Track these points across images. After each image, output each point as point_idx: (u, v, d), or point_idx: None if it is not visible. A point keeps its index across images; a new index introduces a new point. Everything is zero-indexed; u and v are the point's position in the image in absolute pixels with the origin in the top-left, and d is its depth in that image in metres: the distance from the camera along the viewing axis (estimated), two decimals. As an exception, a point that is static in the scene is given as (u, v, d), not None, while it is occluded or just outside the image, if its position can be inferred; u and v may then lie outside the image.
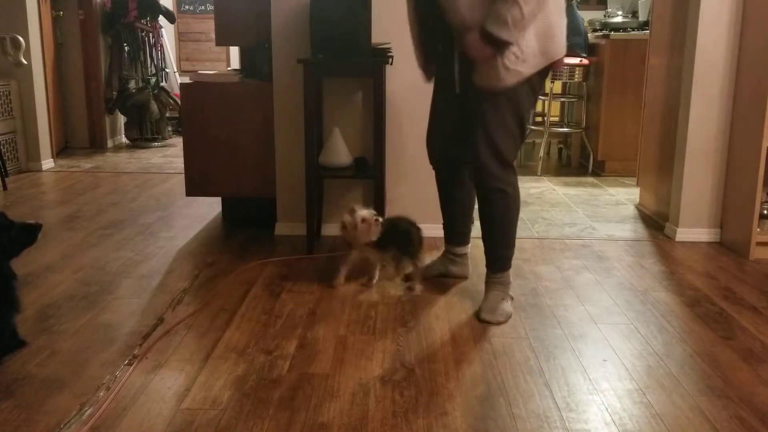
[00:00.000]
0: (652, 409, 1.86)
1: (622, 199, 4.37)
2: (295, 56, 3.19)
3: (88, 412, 1.81)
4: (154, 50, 6.53)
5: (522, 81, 2.27)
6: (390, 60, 3.06)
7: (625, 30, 5.06)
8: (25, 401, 1.86)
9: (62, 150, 5.96)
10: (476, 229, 2.66)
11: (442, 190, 2.75)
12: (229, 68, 5.89)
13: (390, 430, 1.74)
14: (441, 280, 2.82)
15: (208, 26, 7.37)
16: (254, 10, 3.47)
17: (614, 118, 4.97)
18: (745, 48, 3.22)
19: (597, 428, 1.77)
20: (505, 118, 2.33)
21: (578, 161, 5.49)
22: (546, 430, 1.75)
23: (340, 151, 3.16)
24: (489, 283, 2.52)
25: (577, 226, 3.71)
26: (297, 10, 3.23)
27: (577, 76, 5.18)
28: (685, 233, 3.44)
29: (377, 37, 3.09)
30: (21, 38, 4.90)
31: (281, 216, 3.48)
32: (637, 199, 4.23)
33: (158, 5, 6.45)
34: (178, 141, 6.30)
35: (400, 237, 2.70)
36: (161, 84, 6.62)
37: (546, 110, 5.39)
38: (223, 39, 3.71)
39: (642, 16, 5.13)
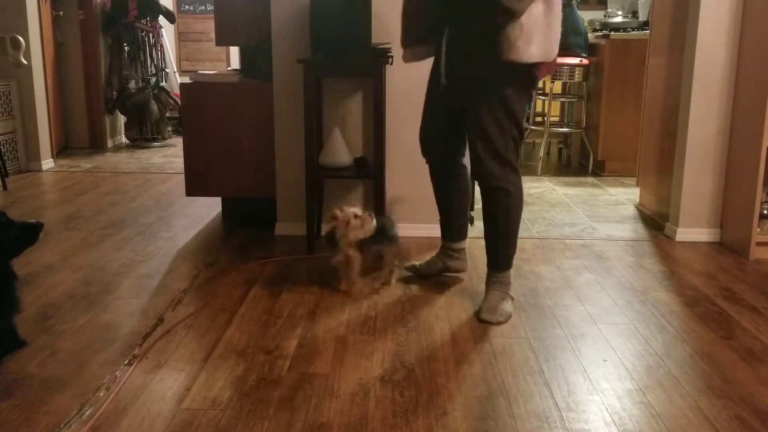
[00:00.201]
0: (652, 409, 1.86)
1: (622, 199, 4.37)
2: (295, 56, 3.19)
3: (88, 412, 1.81)
4: (154, 50, 6.53)
5: (516, 72, 2.28)
6: (390, 60, 3.06)
7: (625, 30, 5.06)
8: (25, 401, 1.86)
9: (62, 150, 5.96)
10: (478, 229, 2.67)
11: (437, 185, 2.75)
12: (229, 68, 5.89)
13: (390, 430, 1.74)
14: (441, 278, 2.82)
15: (208, 26, 7.37)
16: (254, 10, 3.47)
17: (614, 118, 4.97)
18: (745, 48, 3.22)
19: (597, 428, 1.77)
20: (498, 117, 2.33)
21: (578, 161, 5.49)
22: (546, 430, 1.75)
23: (340, 151, 3.16)
24: (489, 282, 2.52)
25: (577, 226, 3.71)
26: (297, 10, 3.23)
27: (577, 76, 5.18)
28: (685, 233, 3.44)
29: (377, 37, 3.09)
30: (21, 38, 4.90)
31: (281, 216, 3.48)
32: (637, 199, 4.23)
33: (158, 5, 6.45)
34: (178, 141, 6.30)
35: (379, 233, 2.65)
36: (161, 84, 6.62)
37: (546, 110, 5.39)
38: (223, 39, 3.71)
39: (642, 16, 5.13)
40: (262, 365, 2.08)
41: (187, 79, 3.71)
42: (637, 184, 4.25)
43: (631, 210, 4.09)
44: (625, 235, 3.54)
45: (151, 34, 6.50)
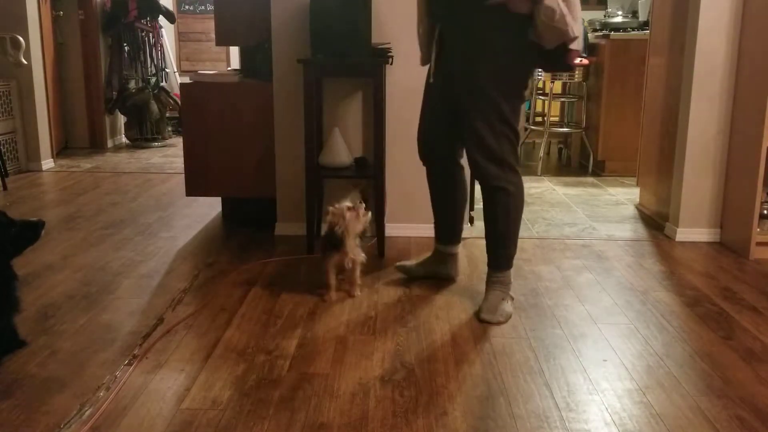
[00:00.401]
0: (652, 409, 1.86)
1: (622, 199, 4.37)
2: (295, 56, 3.19)
3: (88, 412, 1.81)
4: (154, 50, 6.53)
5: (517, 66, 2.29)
6: (390, 60, 3.06)
7: (625, 30, 5.06)
8: (25, 401, 1.86)
9: (62, 150, 5.96)
10: (478, 229, 2.67)
11: (433, 188, 2.74)
12: (229, 68, 5.89)
13: (390, 430, 1.74)
14: (441, 279, 2.81)
15: (208, 26, 7.37)
16: (254, 10, 3.47)
17: (614, 118, 4.97)
18: (745, 48, 3.22)
19: (597, 428, 1.77)
20: (489, 118, 2.33)
21: (578, 161, 5.49)
22: (546, 430, 1.75)
23: (340, 151, 3.16)
24: (490, 282, 2.52)
25: (577, 226, 3.71)
26: (297, 10, 3.23)
27: (577, 76, 5.18)
28: (685, 233, 3.44)
29: (377, 37, 3.09)
30: (21, 38, 4.90)
31: (281, 216, 3.48)
32: (637, 199, 4.22)
33: (158, 5, 6.45)
34: (178, 141, 6.30)
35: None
36: (161, 84, 6.62)
37: (546, 110, 5.39)
38: (223, 39, 3.71)
39: (642, 16, 5.13)
40: (262, 365, 2.08)
41: (187, 79, 3.71)
42: (637, 184, 4.25)
43: (631, 210, 4.09)
44: (625, 235, 3.54)
45: (151, 34, 6.49)
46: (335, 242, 2.55)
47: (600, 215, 3.95)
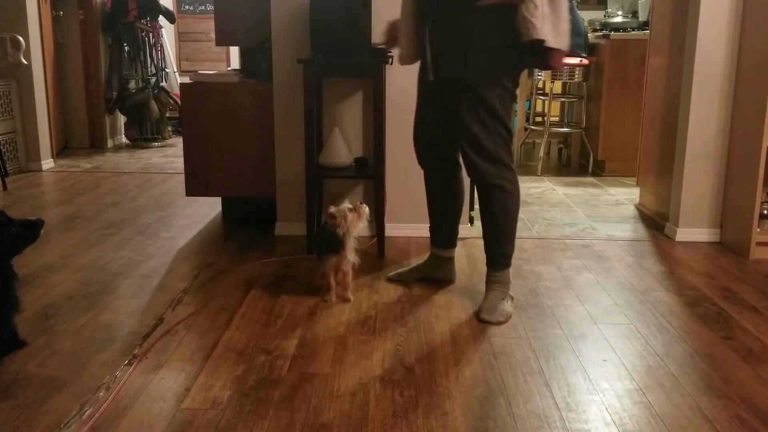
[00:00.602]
0: (652, 409, 1.86)
1: (622, 199, 4.37)
2: (295, 56, 3.19)
3: (88, 412, 1.81)
4: (154, 50, 6.53)
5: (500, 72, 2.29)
6: (390, 60, 3.06)
7: (625, 30, 5.06)
8: (25, 401, 1.86)
9: (62, 150, 5.96)
10: (478, 229, 2.67)
11: (430, 191, 2.73)
12: (229, 68, 5.89)
13: (390, 430, 1.74)
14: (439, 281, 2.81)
15: (208, 26, 7.38)
16: (254, 10, 3.47)
17: (614, 118, 4.97)
18: (745, 48, 3.22)
19: (597, 428, 1.77)
20: (480, 116, 2.33)
21: (578, 161, 5.49)
22: (546, 430, 1.75)
23: (340, 151, 3.16)
24: (489, 282, 2.52)
25: (577, 226, 3.71)
26: (297, 10, 3.23)
27: (577, 76, 5.18)
28: (685, 233, 3.44)
29: (377, 37, 3.09)
30: (21, 38, 4.90)
31: (281, 216, 3.48)
32: (637, 199, 4.23)
33: (158, 5, 6.45)
34: (178, 141, 6.30)
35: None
36: (161, 84, 6.62)
37: (546, 110, 5.39)
38: (223, 39, 3.71)
39: (642, 16, 5.13)
40: (262, 365, 2.08)
41: (187, 79, 3.71)
42: (637, 184, 4.25)
43: (631, 210, 4.09)
44: (625, 235, 3.54)
45: (151, 34, 6.50)
46: (334, 244, 2.53)
47: (600, 215, 3.95)
